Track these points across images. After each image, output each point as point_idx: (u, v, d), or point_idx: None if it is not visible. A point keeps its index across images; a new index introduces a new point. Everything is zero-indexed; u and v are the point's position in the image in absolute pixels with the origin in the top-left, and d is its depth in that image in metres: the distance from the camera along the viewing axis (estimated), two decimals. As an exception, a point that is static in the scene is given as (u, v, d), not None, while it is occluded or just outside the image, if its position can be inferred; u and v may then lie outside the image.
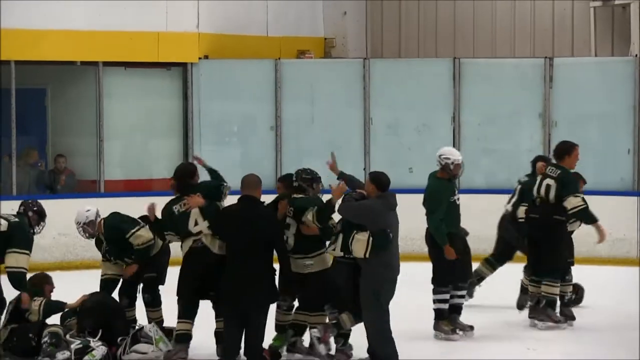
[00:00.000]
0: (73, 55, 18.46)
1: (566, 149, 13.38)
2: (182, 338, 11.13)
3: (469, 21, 21.91)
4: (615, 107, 18.81)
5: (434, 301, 12.49)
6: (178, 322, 11.22)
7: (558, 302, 13.25)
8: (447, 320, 12.44)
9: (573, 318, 13.09)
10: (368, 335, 10.84)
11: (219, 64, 19.36)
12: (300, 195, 11.29)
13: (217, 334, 11.23)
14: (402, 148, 19.36)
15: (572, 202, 12.95)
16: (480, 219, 15.46)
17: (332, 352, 11.12)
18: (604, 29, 20.47)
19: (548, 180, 13.14)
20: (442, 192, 12.57)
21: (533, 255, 13.39)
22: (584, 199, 12.97)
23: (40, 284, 11.74)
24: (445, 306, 12.55)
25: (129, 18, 18.72)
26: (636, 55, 18.92)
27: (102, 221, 11.90)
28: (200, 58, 19.14)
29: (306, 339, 11.29)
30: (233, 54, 19.76)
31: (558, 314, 13.06)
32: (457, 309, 12.64)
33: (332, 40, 21.61)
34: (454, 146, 18.15)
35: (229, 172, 12.59)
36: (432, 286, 12.45)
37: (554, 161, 13.47)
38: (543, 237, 13.23)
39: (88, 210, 12.13)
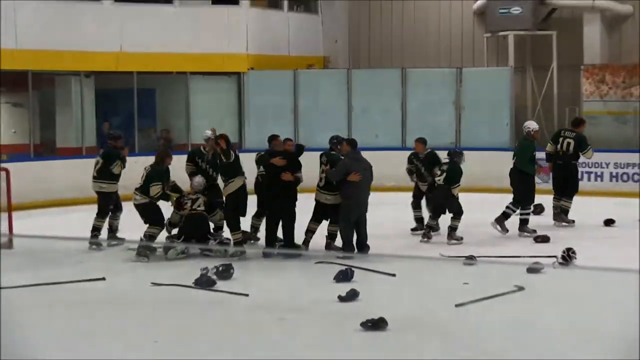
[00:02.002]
0: (171, 67, 20.55)
1: (580, 121, 15.42)
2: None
3: (411, 40, 23.56)
4: (499, 96, 20.60)
5: (521, 214, 14.12)
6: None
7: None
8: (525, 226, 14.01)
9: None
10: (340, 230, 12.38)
11: (260, 73, 21.05)
12: (333, 152, 12.69)
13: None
14: (372, 122, 20.82)
15: (589, 153, 14.94)
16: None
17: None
18: (493, 50, 22.30)
19: (568, 140, 14.92)
20: (528, 147, 14.38)
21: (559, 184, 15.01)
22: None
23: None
24: (529, 217, 14.16)
25: (207, 44, 20.34)
26: (511, 66, 20.94)
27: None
28: (248, 69, 20.94)
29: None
30: (268, 66, 21.29)
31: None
32: (526, 221, 14.13)
33: (329, 57, 23.28)
34: (402, 123, 20.83)
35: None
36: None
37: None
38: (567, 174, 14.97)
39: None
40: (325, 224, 12.75)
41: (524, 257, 12.07)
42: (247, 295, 10.12)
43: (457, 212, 13.70)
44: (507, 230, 14.06)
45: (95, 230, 13.28)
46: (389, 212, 15.59)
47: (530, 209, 14.33)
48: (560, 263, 11.63)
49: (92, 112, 20.09)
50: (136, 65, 19.92)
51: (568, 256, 11.69)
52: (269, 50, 21.78)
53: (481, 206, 16.82)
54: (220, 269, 11.00)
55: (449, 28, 23.36)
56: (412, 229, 14.42)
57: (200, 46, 20.51)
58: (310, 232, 12.74)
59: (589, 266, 11.04)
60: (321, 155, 12.77)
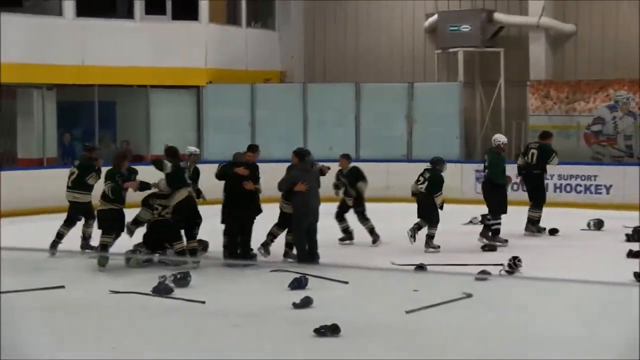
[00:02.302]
0: (132, 81, 20.52)
1: (546, 134, 15.66)
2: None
3: (365, 56, 23.59)
4: (449, 110, 20.76)
5: (493, 224, 14.09)
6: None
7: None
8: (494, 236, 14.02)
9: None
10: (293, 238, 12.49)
11: (218, 87, 21.04)
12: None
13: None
14: (327, 135, 20.83)
15: (554, 161, 15.22)
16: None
17: None
18: (443, 65, 22.24)
19: (532, 150, 15.29)
20: (499, 159, 14.46)
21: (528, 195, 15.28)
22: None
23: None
24: (500, 227, 14.12)
25: (167, 58, 20.39)
26: (461, 81, 21.06)
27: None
28: (207, 83, 20.94)
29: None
30: (227, 80, 21.33)
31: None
32: (498, 231, 14.13)
33: (285, 72, 23.36)
34: (356, 135, 20.92)
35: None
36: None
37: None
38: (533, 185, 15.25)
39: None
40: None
41: (472, 265, 12.11)
42: (203, 302, 10.07)
43: (435, 221, 13.72)
44: (506, 240, 14.19)
45: (59, 236, 13.21)
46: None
47: (501, 218, 14.30)
48: (506, 271, 11.71)
49: (53, 124, 19.99)
50: (97, 79, 19.89)
51: (514, 264, 11.78)
52: (228, 65, 21.85)
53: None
54: (178, 276, 10.94)
55: (402, 44, 23.47)
56: (340, 239, 14.42)
57: (161, 60, 20.62)
58: (271, 234, 12.91)
59: (539, 277, 11.16)
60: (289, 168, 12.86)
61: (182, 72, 20.89)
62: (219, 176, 12.72)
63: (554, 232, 15.32)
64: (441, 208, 13.80)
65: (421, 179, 13.91)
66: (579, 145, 20.09)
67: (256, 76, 22.30)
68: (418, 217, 13.97)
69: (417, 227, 13.81)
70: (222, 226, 12.60)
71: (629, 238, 14.46)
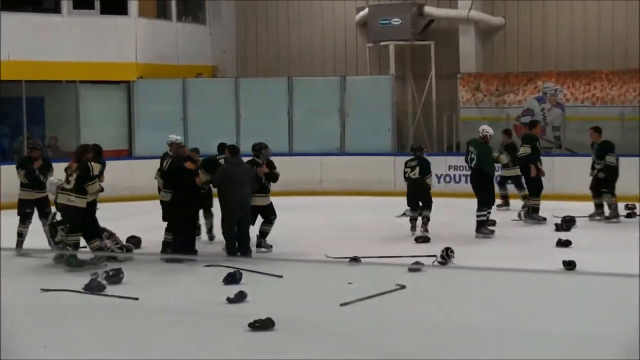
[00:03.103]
0: (60, 76, 20.23)
1: (534, 124, 16.03)
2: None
3: (297, 50, 23.62)
4: (381, 103, 20.74)
5: (479, 215, 14.22)
6: None
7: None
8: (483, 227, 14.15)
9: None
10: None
11: (149, 82, 20.91)
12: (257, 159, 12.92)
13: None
14: (260, 129, 20.09)
15: (521, 150, 15.44)
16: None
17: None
18: (375, 59, 22.36)
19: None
20: (488, 149, 14.49)
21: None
22: (531, 150, 15.07)
23: None
24: (484, 219, 14.25)
25: (96, 53, 20.09)
26: (392, 74, 21.14)
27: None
28: (138, 78, 20.82)
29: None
30: (158, 75, 21.18)
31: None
32: (483, 222, 14.27)
33: (217, 66, 23.26)
34: (289, 130, 20.89)
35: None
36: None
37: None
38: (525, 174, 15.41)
39: None
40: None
41: (405, 257, 12.19)
42: (136, 299, 10.01)
43: (429, 203, 14.32)
44: (493, 231, 14.38)
45: (19, 235, 12.95)
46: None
47: (488, 210, 14.43)
48: (439, 262, 11.82)
49: (-21, 121, 19.50)
50: (24, 74, 19.53)
51: (447, 255, 11.90)
52: (158, 60, 21.66)
53: (366, 209, 17.12)
54: (110, 273, 10.83)
55: (333, 38, 23.49)
56: None
57: (90, 55, 20.34)
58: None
59: (472, 266, 11.35)
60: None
61: (112, 67, 20.68)
62: (170, 171, 12.68)
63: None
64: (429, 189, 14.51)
65: (408, 169, 14.47)
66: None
67: (188, 71, 22.16)
68: (408, 205, 14.56)
69: (414, 218, 14.43)
70: (157, 222, 12.57)
71: (558, 227, 14.73)
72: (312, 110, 21.20)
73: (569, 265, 11.40)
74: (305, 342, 8.42)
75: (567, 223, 14.85)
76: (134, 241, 13.25)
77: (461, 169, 19.16)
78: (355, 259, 11.93)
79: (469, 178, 15.16)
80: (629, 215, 16.09)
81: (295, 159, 18.63)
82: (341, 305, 9.38)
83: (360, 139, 20.75)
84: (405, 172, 14.56)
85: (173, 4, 22.11)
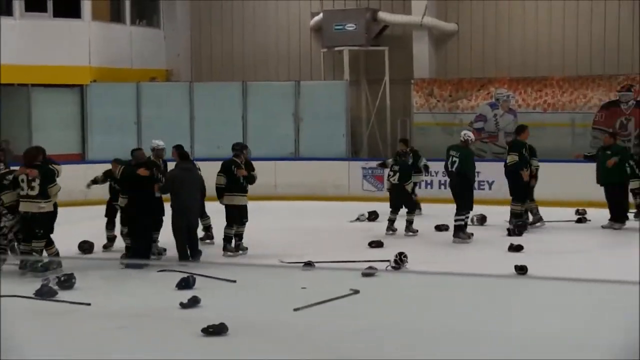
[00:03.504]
0: (13, 79, 19.87)
1: (521, 129, 15.58)
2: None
3: (252, 54, 23.44)
4: (335, 108, 20.87)
5: (457, 220, 14.29)
6: None
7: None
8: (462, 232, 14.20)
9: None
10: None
11: (102, 85, 20.76)
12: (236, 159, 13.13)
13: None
14: (214, 133, 20.54)
15: (508, 158, 15.15)
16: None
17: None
18: (329, 64, 22.27)
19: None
20: (470, 154, 14.73)
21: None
22: (518, 157, 14.82)
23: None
24: (463, 223, 14.30)
25: (49, 56, 19.94)
26: (347, 80, 21.16)
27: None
28: (91, 81, 20.65)
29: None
30: (111, 79, 21.05)
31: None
32: (462, 227, 14.30)
33: (171, 70, 23.24)
34: (243, 134, 20.75)
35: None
36: None
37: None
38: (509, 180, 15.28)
39: None
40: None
41: (359, 262, 12.16)
42: (89, 304, 9.88)
43: (412, 207, 14.96)
44: (472, 234, 14.36)
45: None
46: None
47: (467, 214, 14.52)
48: (393, 267, 11.86)
49: None
50: (-23, 77, 19.21)
51: (400, 260, 11.95)
52: (112, 63, 21.56)
53: (320, 214, 17.12)
54: (62, 279, 10.72)
55: (288, 43, 23.45)
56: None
57: (42, 58, 20.20)
58: (237, 236, 13.25)
59: (426, 271, 11.30)
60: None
61: (65, 71, 20.49)
62: (122, 177, 12.61)
63: (440, 228, 15.43)
64: (413, 193, 15.17)
65: (391, 173, 15.06)
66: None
67: (142, 75, 22.06)
68: (390, 208, 14.96)
69: (392, 220, 14.87)
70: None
71: (510, 232, 14.84)
72: (266, 115, 21.13)
73: (521, 270, 11.47)
74: (258, 347, 8.36)
75: (519, 228, 14.95)
76: (87, 246, 13.14)
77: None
78: (309, 264, 11.91)
79: (448, 183, 15.30)
80: (579, 221, 16.27)
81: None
82: (295, 310, 9.34)
83: (315, 144, 20.77)
84: (388, 176, 15.22)
85: (127, 7, 21.99)
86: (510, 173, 15.31)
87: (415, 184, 15.76)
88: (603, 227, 15.45)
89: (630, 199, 15.82)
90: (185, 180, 12.41)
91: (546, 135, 18.25)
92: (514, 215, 15.26)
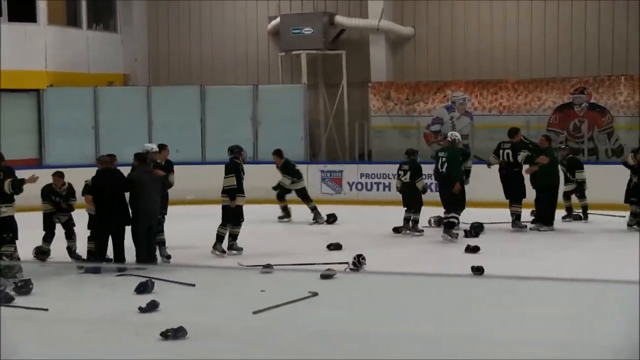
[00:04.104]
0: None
1: (514, 131, 15.56)
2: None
3: (210, 58, 23.50)
4: (293, 112, 20.87)
5: (447, 217, 14.55)
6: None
7: None
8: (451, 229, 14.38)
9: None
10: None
11: (59, 90, 20.60)
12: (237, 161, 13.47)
13: None
14: (172, 137, 18.92)
15: (521, 156, 15.07)
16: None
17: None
18: (287, 68, 22.43)
19: (506, 150, 15.30)
20: (459, 154, 14.92)
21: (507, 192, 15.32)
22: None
23: None
24: (455, 221, 14.58)
25: (4, 61, 19.38)
26: (304, 83, 21.20)
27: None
28: (48, 86, 20.52)
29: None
30: (68, 83, 20.87)
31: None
32: (452, 224, 14.52)
33: (129, 75, 23.18)
34: (202, 138, 20.84)
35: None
36: None
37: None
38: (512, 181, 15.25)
39: None
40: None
41: (318, 264, 12.16)
42: (46, 309, 9.78)
43: (419, 206, 14.98)
44: (457, 234, 14.47)
45: None
46: (190, 224, 15.38)
47: (458, 213, 14.71)
48: (351, 269, 11.85)
49: None
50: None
51: (358, 262, 11.97)
52: (69, 68, 21.44)
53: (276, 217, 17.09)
54: (19, 284, 10.59)
55: (246, 47, 23.44)
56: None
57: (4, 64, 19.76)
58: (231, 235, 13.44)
59: (384, 272, 11.27)
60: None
61: (21, 75, 20.28)
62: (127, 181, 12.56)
63: (399, 230, 15.44)
64: (424, 192, 15.09)
65: (401, 172, 15.08)
66: (419, 145, 20.12)
67: (99, 79, 21.98)
68: (404, 207, 15.06)
69: (407, 219, 14.95)
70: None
71: (467, 234, 14.89)
72: (224, 119, 21.07)
73: (477, 270, 11.50)
74: (218, 350, 8.30)
75: (475, 229, 15.03)
76: (43, 252, 12.96)
77: (372, 176, 19.39)
78: (267, 267, 11.89)
79: (439, 184, 15.24)
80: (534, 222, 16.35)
81: (208, 167, 18.41)
82: (254, 313, 9.31)
83: (273, 148, 20.53)
84: (398, 175, 15.19)
85: (83, 11, 21.87)
86: (513, 175, 15.33)
87: (426, 182, 15.70)
88: (531, 229, 15.43)
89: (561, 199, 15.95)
90: (147, 183, 12.38)
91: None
92: (517, 216, 15.44)
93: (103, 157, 12.87)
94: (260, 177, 18.45)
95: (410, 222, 15.05)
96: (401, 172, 15.19)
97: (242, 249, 13.41)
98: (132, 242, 12.42)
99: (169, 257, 12.93)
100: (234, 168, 13.35)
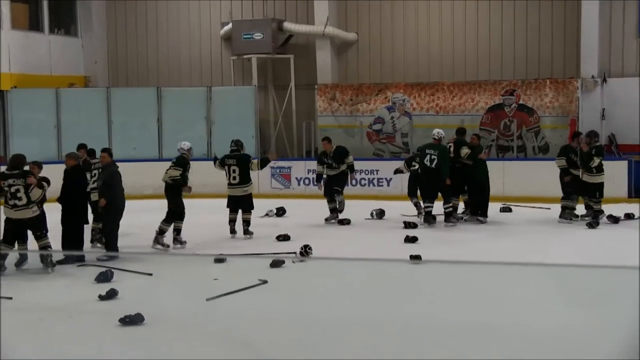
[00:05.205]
0: None
1: (463, 131, 15.60)
2: None
3: (166, 61, 23.46)
4: (245, 112, 20.76)
5: (446, 208, 14.86)
6: None
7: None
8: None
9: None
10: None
11: (23, 91, 20.33)
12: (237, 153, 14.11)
13: None
14: (131, 136, 20.52)
15: (463, 151, 15.11)
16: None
17: None
18: (239, 70, 22.27)
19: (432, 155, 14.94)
20: (447, 149, 14.99)
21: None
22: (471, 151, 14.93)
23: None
24: (451, 209, 14.89)
25: None
26: (255, 85, 21.05)
27: None
28: (11, 87, 20.18)
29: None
30: (31, 85, 20.73)
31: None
32: (450, 213, 14.91)
33: (89, 77, 23.06)
34: (159, 136, 20.58)
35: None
36: None
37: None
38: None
39: None
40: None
41: (268, 254, 12.19)
42: (10, 298, 9.66)
43: (448, 195, 14.91)
44: (460, 218, 15.01)
45: None
46: (148, 217, 15.30)
47: (452, 202, 15.06)
48: (299, 258, 11.93)
49: None
50: None
51: (305, 252, 12.06)
52: (32, 70, 21.24)
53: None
54: (-13, 275, 10.44)
55: (200, 51, 23.37)
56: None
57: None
58: (231, 221, 13.90)
59: (328, 257, 11.35)
60: (226, 157, 14.15)
61: (-15, 77, 19.99)
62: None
63: (344, 222, 15.47)
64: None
65: (415, 163, 15.16)
66: (362, 143, 20.52)
67: (61, 81, 21.80)
68: (425, 198, 14.94)
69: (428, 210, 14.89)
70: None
71: (406, 225, 14.97)
72: (180, 119, 20.95)
73: (416, 258, 11.55)
74: (173, 335, 8.29)
75: (412, 222, 15.13)
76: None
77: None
78: (220, 257, 11.80)
79: (424, 178, 15.10)
80: (504, 210, 16.64)
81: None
82: (207, 300, 9.28)
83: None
84: (410, 166, 15.35)
85: (45, 16, 21.69)
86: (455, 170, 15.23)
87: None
88: (466, 220, 15.44)
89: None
90: (119, 180, 12.39)
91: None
92: (455, 209, 15.48)
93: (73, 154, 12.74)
94: (214, 173, 18.41)
95: (444, 215, 15.05)
96: (415, 164, 15.23)
97: (252, 233, 13.71)
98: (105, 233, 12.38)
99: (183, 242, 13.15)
100: (246, 160, 14.09)
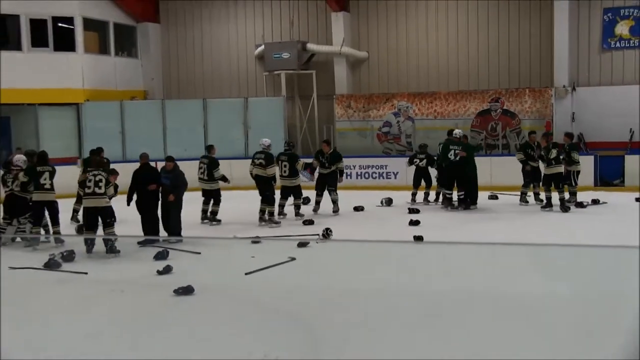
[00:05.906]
0: (23, 100, 19.62)
1: (450, 133, 15.29)
2: None
3: (210, 77, 23.15)
4: (275, 118, 20.39)
5: (461, 194, 14.65)
6: None
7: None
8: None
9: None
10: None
11: (94, 104, 20.42)
12: (289, 152, 13.99)
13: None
14: (182, 140, 20.37)
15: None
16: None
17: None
18: (270, 84, 22.20)
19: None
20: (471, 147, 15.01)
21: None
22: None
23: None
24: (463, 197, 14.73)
25: (51, 82, 19.77)
26: (284, 96, 20.95)
27: None
28: (85, 100, 20.37)
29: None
30: (101, 98, 20.71)
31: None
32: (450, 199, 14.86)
33: (147, 91, 23.04)
34: (205, 139, 20.26)
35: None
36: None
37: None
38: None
39: None
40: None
41: (295, 236, 12.14)
42: (86, 273, 9.78)
43: (466, 186, 14.62)
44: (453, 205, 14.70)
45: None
46: (195, 207, 15.34)
47: (465, 190, 14.84)
48: (321, 239, 11.86)
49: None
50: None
51: (327, 234, 11.98)
52: (101, 86, 21.25)
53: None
54: (65, 254, 10.54)
55: (238, 68, 23.21)
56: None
57: (46, 83, 19.95)
58: (280, 206, 13.85)
59: (348, 239, 11.26)
60: (280, 154, 14.06)
61: (64, 93, 20.26)
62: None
63: (358, 208, 15.36)
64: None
65: (451, 153, 14.58)
66: (373, 143, 20.37)
67: (124, 95, 21.82)
68: (447, 189, 14.76)
69: (449, 200, 14.79)
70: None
71: (410, 211, 14.88)
72: (222, 125, 20.92)
73: (418, 239, 11.51)
74: (217, 304, 8.31)
75: (417, 208, 15.06)
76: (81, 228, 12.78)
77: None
78: (256, 238, 11.80)
79: (449, 170, 14.85)
80: (491, 198, 16.42)
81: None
82: (246, 274, 9.27)
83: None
84: (444, 156, 14.80)
85: (112, 42, 21.76)
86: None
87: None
88: (463, 208, 15.17)
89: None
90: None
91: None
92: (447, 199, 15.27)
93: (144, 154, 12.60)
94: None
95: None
96: (421, 158, 15.26)
97: (304, 215, 13.72)
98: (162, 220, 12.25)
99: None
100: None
